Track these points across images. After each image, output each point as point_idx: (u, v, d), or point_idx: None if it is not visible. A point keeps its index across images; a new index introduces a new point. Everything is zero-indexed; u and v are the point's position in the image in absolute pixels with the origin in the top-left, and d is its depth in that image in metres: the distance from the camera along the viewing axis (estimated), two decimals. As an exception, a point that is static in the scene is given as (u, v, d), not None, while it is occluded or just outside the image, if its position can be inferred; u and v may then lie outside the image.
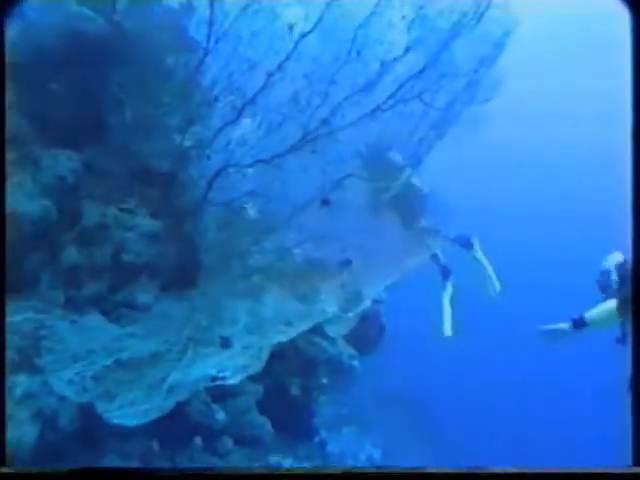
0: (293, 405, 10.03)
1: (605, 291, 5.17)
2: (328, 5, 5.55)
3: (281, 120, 5.71)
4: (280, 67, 5.79)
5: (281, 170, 5.83)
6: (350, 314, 6.41)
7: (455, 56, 5.26)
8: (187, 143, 5.98)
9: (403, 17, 5.51)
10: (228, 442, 8.72)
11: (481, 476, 2.30)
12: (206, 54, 5.76)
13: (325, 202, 5.58)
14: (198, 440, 8.56)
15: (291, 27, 5.60)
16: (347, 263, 5.61)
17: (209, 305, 5.81)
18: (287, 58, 5.77)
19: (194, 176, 6.07)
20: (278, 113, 5.76)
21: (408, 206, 6.03)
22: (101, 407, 4.84)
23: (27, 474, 2.27)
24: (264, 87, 5.81)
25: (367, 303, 6.36)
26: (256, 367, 5.76)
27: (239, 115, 5.79)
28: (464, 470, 2.33)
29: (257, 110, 5.78)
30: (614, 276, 5.01)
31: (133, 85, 5.88)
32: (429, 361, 17.80)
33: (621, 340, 4.92)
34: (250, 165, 5.89)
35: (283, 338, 5.72)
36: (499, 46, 5.21)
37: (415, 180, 6.29)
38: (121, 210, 5.89)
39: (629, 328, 4.43)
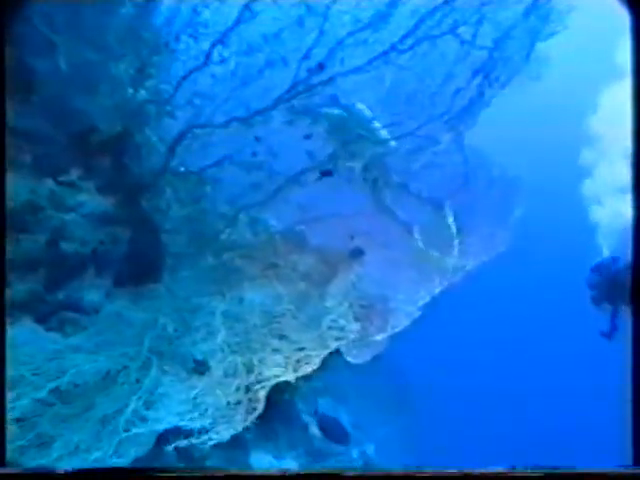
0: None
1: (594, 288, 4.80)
2: None
3: (262, 65, 4.40)
4: None
5: (264, 130, 4.57)
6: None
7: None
8: (140, 97, 4.65)
9: None
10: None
11: (481, 476, 2.28)
12: (160, -21, 4.37)
13: (326, 173, 4.36)
14: None
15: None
16: (359, 253, 4.46)
17: (177, 305, 4.64)
18: None
19: (152, 139, 4.77)
20: (258, 56, 4.44)
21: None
22: (33, 457, 3.55)
23: (27, 474, 2.25)
24: (238, 21, 4.46)
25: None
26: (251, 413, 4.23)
27: (207, 60, 4.45)
28: (464, 470, 2.31)
29: (230, 52, 4.44)
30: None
31: (66, 23, 4.48)
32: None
33: (607, 334, 4.51)
34: (223, 125, 4.60)
35: (280, 359, 4.30)
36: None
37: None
38: (59, 184, 4.60)
39: (617, 322, 4.26)
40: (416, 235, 4.34)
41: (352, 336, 4.06)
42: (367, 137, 4.44)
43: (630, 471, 2.27)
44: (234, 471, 2.35)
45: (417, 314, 4.31)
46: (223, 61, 4.52)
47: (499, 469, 2.30)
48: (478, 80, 4.03)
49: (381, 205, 4.38)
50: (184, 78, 4.58)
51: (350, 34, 4.26)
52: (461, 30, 3.99)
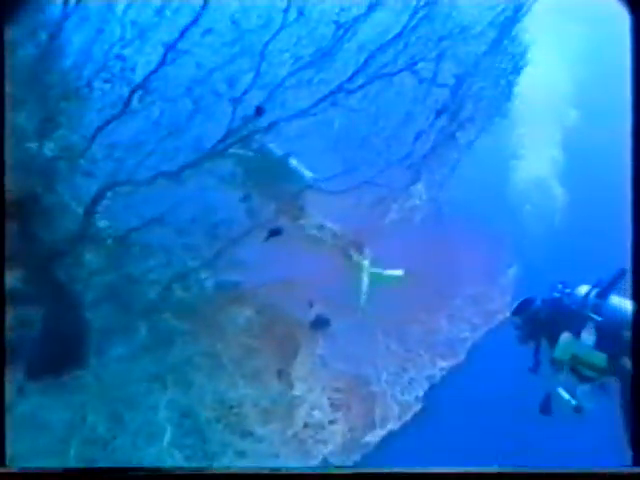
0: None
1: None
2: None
3: (191, 112, 3.81)
4: (184, 34, 3.85)
5: (195, 186, 3.95)
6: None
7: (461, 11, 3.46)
8: (49, 151, 3.95)
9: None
10: None
11: (481, 476, 2.27)
12: (65, 18, 3.74)
13: (274, 232, 3.77)
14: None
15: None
16: (323, 323, 3.79)
17: (109, 396, 3.87)
18: (195, 20, 3.83)
19: (65, 200, 4.07)
20: (185, 101, 3.85)
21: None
22: None
23: (27, 474, 2.29)
24: (162, 63, 3.87)
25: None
26: None
27: (126, 107, 3.82)
28: (465, 470, 2.29)
29: (153, 98, 3.83)
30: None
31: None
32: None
33: (533, 369, 3.98)
34: (148, 181, 3.95)
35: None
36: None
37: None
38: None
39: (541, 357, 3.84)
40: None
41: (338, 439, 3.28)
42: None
43: (630, 471, 2.23)
44: (234, 471, 2.44)
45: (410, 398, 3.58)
46: (145, 108, 3.90)
47: (499, 469, 2.28)
48: (443, 121, 3.57)
49: (342, 264, 3.83)
50: (100, 129, 3.92)
51: (291, 74, 3.75)
52: (420, 67, 3.54)
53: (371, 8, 3.68)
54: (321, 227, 3.62)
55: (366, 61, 3.62)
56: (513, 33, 3.38)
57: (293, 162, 3.95)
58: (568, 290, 2.90)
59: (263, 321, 3.70)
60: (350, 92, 3.65)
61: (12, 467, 2.40)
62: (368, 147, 3.54)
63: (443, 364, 3.17)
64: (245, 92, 3.83)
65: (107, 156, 3.99)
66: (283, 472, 2.34)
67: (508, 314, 3.46)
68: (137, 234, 4.09)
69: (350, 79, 3.65)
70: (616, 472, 2.21)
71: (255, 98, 3.80)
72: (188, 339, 4.35)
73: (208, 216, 3.94)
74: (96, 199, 4.07)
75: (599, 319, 2.60)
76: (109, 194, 4.03)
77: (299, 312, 3.61)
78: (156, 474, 2.35)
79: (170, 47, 3.86)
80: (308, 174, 3.93)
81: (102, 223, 4.20)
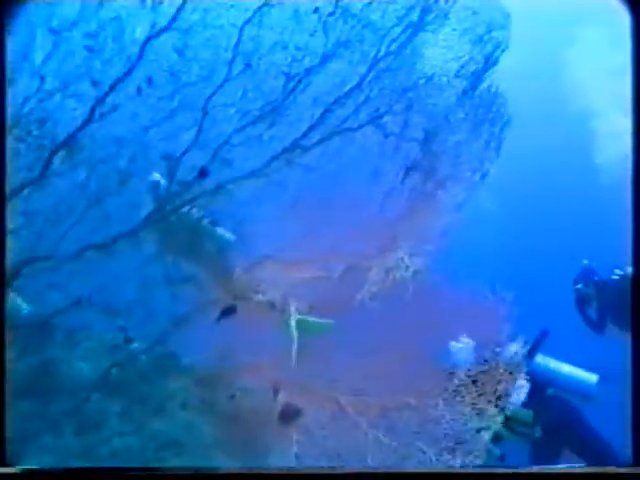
0: None
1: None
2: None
3: (122, 176, 3.31)
4: (115, 87, 3.40)
5: (131, 260, 3.41)
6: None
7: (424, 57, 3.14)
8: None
9: (316, 10, 3.41)
10: None
11: (481, 476, 2.30)
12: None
13: (228, 311, 3.23)
14: None
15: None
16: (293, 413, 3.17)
17: None
18: (128, 72, 3.39)
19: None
20: (117, 163, 3.36)
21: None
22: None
23: (27, 474, 2.30)
24: (89, 120, 3.38)
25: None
26: None
27: (45, 170, 3.29)
28: (464, 470, 2.36)
29: (78, 160, 3.32)
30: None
31: None
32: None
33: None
34: (74, 256, 3.37)
35: None
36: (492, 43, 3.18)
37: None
38: None
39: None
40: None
41: None
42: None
43: (630, 471, 2.20)
44: (234, 470, 2.33)
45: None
46: (69, 171, 3.37)
47: (499, 469, 2.29)
48: (415, 179, 3.18)
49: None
50: (14, 195, 3.35)
51: (238, 130, 3.33)
52: (385, 120, 3.17)
53: (325, 59, 3.35)
54: (283, 302, 3.14)
55: (323, 115, 3.25)
56: (485, 83, 3.10)
57: (210, 225, 3.48)
58: (499, 349, 2.85)
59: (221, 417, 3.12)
60: (306, 149, 3.25)
61: (12, 467, 2.37)
62: (330, 209, 3.12)
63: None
64: (186, 151, 3.37)
65: (24, 226, 3.41)
66: (283, 472, 2.31)
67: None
68: (62, 317, 3.47)
69: (305, 135, 3.25)
70: (616, 472, 2.19)
71: (198, 158, 3.34)
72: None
73: (146, 293, 3.39)
74: (12, 276, 3.45)
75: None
76: (25, 270, 3.43)
77: (263, 402, 3.06)
78: (156, 474, 2.33)
79: (99, 101, 3.39)
80: (230, 237, 3.47)
81: (19, 304, 3.57)
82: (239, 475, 2.34)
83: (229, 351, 3.26)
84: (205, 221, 3.54)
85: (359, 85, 3.23)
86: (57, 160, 3.45)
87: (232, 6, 3.40)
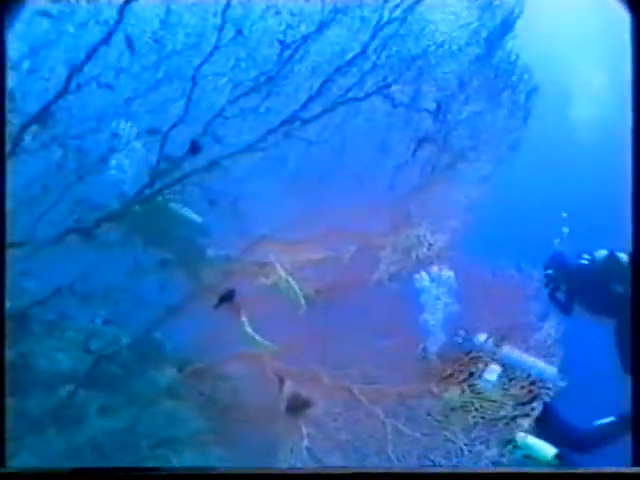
0: None
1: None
2: None
3: (104, 152, 3.01)
4: (92, 55, 3.09)
5: (117, 244, 3.12)
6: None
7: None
8: None
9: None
10: None
11: (481, 476, 2.25)
12: None
13: (227, 297, 2.98)
14: None
15: None
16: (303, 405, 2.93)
17: None
18: (106, 38, 3.08)
19: None
20: (98, 138, 3.06)
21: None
22: None
23: (27, 474, 2.27)
24: (64, 91, 3.07)
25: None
26: None
27: (15, 146, 2.97)
28: (464, 470, 2.31)
29: (53, 135, 3.01)
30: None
31: None
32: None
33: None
34: (53, 240, 3.07)
35: None
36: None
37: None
38: None
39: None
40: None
41: None
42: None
43: (630, 471, 2.22)
44: (234, 470, 2.30)
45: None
46: (43, 148, 3.06)
47: (499, 469, 2.25)
48: (428, 152, 2.98)
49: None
50: None
51: (231, 102, 3.08)
52: (393, 89, 2.96)
53: (323, 25, 3.13)
54: (286, 285, 2.91)
55: (323, 85, 3.03)
56: (505, 48, 2.92)
57: (177, 207, 3.20)
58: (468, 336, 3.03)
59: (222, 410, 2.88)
60: (306, 122, 3.02)
61: (12, 467, 2.37)
62: (334, 185, 2.90)
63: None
64: (174, 125, 3.10)
65: None
66: (283, 472, 2.29)
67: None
68: (40, 308, 3.17)
69: (304, 107, 3.03)
70: (616, 472, 2.20)
71: (187, 132, 3.08)
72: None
73: (134, 281, 3.13)
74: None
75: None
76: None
77: (268, 393, 2.83)
78: (156, 474, 2.32)
79: (75, 70, 3.07)
80: (197, 219, 3.22)
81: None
82: (239, 475, 2.31)
83: (226, 340, 3.03)
84: (173, 204, 3.26)
85: (363, 53, 3.02)
86: (28, 136, 3.13)
87: (221, -33, 3.14)
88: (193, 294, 3.32)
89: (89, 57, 3.11)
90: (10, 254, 3.14)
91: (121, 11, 3.07)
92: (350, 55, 3.04)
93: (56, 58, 3.08)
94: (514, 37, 2.93)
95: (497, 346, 2.85)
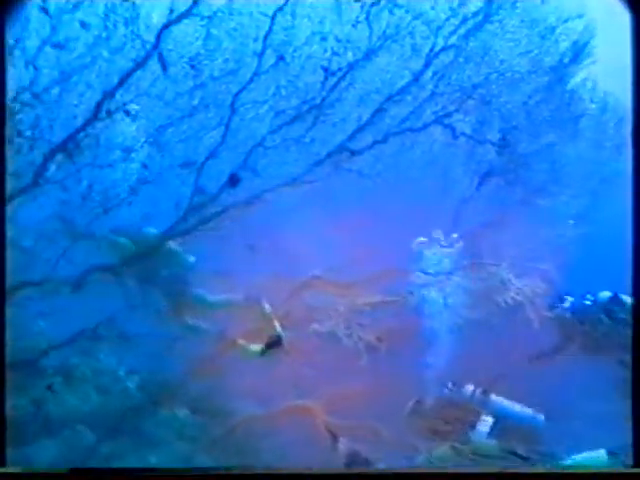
0: None
1: None
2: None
3: (135, 182, 2.77)
4: (124, 81, 2.90)
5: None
6: None
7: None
8: None
9: None
10: None
11: (481, 476, 2.26)
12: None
13: (274, 343, 2.67)
14: None
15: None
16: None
17: None
18: (141, 63, 2.89)
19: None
20: (125, 168, 2.82)
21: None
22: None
23: (27, 474, 2.32)
24: (94, 118, 2.86)
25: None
26: None
27: (38, 176, 2.74)
28: (464, 470, 2.28)
29: (79, 164, 2.79)
30: None
31: None
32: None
33: None
34: (77, 280, 2.79)
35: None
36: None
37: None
38: None
39: None
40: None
41: None
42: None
43: (630, 471, 2.20)
44: (234, 471, 2.31)
45: None
46: (68, 178, 2.83)
47: (499, 469, 2.20)
48: (495, 186, 2.69)
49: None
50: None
51: (273, 132, 2.85)
52: (454, 119, 2.71)
53: (371, 53, 2.93)
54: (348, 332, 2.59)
55: (374, 114, 2.81)
56: (577, 75, 2.68)
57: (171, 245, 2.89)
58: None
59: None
60: (355, 153, 2.79)
61: (12, 467, 2.38)
62: (389, 221, 2.62)
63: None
64: (210, 156, 2.86)
65: (11, 245, 2.82)
66: (283, 472, 2.23)
67: None
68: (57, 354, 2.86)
69: (353, 137, 2.80)
70: (616, 472, 2.19)
71: (225, 163, 2.84)
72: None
73: (161, 327, 2.83)
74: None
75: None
76: (17, 298, 2.83)
77: (323, 451, 2.47)
78: (156, 474, 2.33)
79: (106, 96, 2.87)
80: (191, 259, 2.90)
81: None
82: (238, 475, 2.30)
83: (273, 391, 2.68)
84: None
85: (416, 81, 2.80)
86: (53, 165, 2.90)
87: (262, -9, 2.97)
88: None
89: (121, 82, 2.92)
90: (24, 294, 2.88)
91: (159, 35, 2.89)
92: (402, 83, 2.82)
93: (87, 84, 2.88)
94: (590, 64, 2.71)
95: (485, 395, 2.73)
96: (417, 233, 2.64)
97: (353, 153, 2.79)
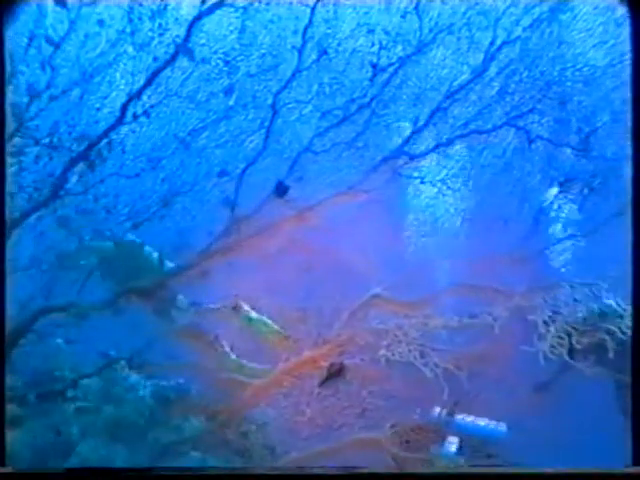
0: None
1: None
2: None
3: (164, 194, 2.48)
4: (153, 80, 2.60)
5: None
6: None
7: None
8: None
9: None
10: None
11: (482, 476, 2.29)
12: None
13: (335, 372, 2.38)
14: None
15: None
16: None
17: None
18: (171, 60, 2.59)
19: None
20: (152, 177, 2.53)
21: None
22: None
23: (27, 474, 2.32)
24: (120, 122, 2.56)
25: None
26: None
27: (58, 188, 2.45)
28: (464, 470, 2.27)
29: (102, 174, 2.50)
30: None
31: None
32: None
33: None
34: (103, 304, 2.50)
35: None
36: None
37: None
38: None
39: None
40: None
41: None
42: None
43: (630, 471, 2.22)
44: (235, 471, 2.30)
45: None
46: (90, 190, 2.53)
47: (499, 469, 2.21)
48: (577, 195, 2.41)
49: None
50: (16, 223, 2.49)
51: (321, 134, 2.56)
52: (528, 121, 2.41)
53: (423, 46, 2.66)
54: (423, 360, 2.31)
55: (432, 115, 2.54)
56: None
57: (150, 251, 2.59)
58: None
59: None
60: (414, 158, 2.52)
61: (12, 467, 2.32)
62: (455, 233, 2.34)
63: None
64: (252, 162, 2.58)
65: (32, 264, 2.53)
66: (283, 472, 2.27)
67: None
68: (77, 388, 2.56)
69: (410, 140, 2.53)
70: (616, 472, 2.19)
71: (269, 170, 2.55)
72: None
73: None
74: (20, 331, 2.55)
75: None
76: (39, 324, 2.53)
77: None
78: (155, 474, 2.30)
79: (133, 97, 2.57)
80: (169, 264, 2.61)
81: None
82: (238, 475, 2.34)
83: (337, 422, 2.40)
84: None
85: (479, 77, 2.54)
86: (73, 176, 2.60)
87: (303, -21, 2.68)
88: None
89: (149, 82, 2.62)
90: (49, 319, 2.57)
91: (189, 28, 2.59)
92: (462, 79, 2.55)
93: (111, 84, 2.57)
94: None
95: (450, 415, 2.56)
96: (491, 246, 2.37)
97: (412, 158, 2.51)
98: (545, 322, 2.33)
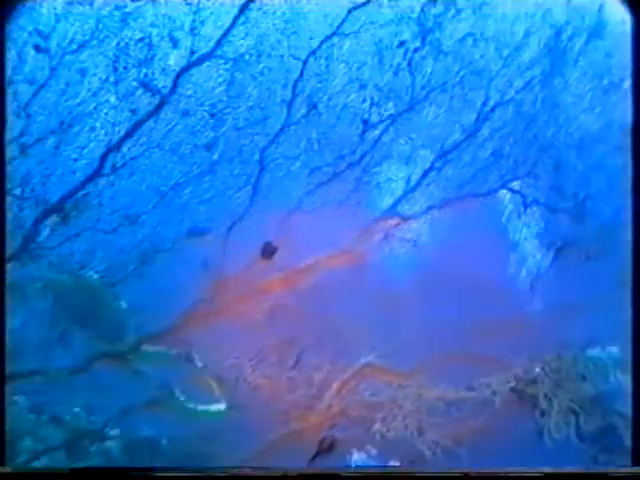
0: None
1: None
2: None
3: (142, 255, 2.34)
4: (133, 133, 2.49)
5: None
6: None
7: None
8: None
9: (401, 44, 2.63)
10: None
11: (482, 476, 2.16)
12: None
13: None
14: None
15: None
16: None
17: None
18: (154, 111, 2.48)
19: None
20: (128, 235, 2.39)
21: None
22: None
23: (27, 474, 2.28)
24: (97, 173, 2.43)
25: None
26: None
27: (30, 241, 2.29)
28: (464, 470, 2.16)
29: (78, 227, 2.35)
30: None
31: None
32: None
33: None
34: (86, 363, 2.32)
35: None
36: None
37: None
38: None
39: None
40: None
41: None
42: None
43: (630, 471, 2.20)
44: (234, 471, 2.23)
45: None
46: (63, 245, 2.38)
47: (499, 469, 2.14)
48: (574, 262, 2.32)
49: None
50: None
51: (311, 192, 2.47)
52: (524, 184, 2.35)
53: (416, 103, 2.61)
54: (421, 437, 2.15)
55: (425, 175, 2.46)
56: None
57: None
58: None
59: None
60: (407, 219, 2.43)
61: (12, 467, 2.30)
62: (449, 299, 2.24)
63: None
64: (240, 218, 2.46)
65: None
66: (285, 473, 2.12)
67: None
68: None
69: (403, 200, 2.44)
70: (616, 472, 2.17)
71: (255, 230, 2.43)
72: None
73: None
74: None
75: None
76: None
77: None
78: (155, 474, 2.20)
79: (112, 149, 2.44)
80: (123, 304, 2.47)
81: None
82: (237, 476, 2.25)
83: None
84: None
85: (472, 137, 2.48)
86: (45, 229, 2.44)
87: (294, 33, 2.61)
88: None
89: (130, 134, 2.49)
90: (12, 386, 2.37)
91: (176, 78, 2.49)
92: (455, 138, 2.50)
93: (90, 134, 2.45)
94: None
95: None
96: (486, 312, 2.27)
97: (404, 219, 2.43)
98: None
